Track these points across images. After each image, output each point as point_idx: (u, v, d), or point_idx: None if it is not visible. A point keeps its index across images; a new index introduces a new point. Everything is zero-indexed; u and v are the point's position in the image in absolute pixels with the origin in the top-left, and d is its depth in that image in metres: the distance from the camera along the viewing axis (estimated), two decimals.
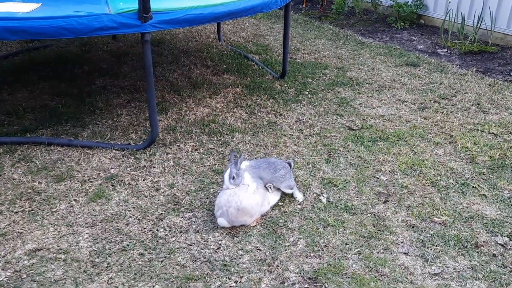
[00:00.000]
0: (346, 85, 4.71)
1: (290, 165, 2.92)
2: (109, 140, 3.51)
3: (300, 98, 4.36)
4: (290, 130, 3.76)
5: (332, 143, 3.57)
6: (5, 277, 2.25)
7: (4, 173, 3.07)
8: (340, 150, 3.48)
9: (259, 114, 4.01)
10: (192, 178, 3.08)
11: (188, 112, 4.00)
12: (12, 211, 2.72)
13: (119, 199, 2.85)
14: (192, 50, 5.68)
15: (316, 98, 4.39)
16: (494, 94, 4.48)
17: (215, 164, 3.24)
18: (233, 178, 2.57)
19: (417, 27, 6.85)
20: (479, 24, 5.89)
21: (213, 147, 3.46)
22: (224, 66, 5.12)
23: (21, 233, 2.55)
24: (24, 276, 2.26)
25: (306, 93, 4.50)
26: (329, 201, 2.88)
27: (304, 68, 5.15)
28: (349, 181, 3.09)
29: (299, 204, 2.84)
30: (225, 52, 5.62)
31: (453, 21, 6.23)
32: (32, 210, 2.73)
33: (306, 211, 2.79)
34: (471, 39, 5.91)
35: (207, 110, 4.04)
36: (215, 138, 3.58)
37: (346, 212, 2.79)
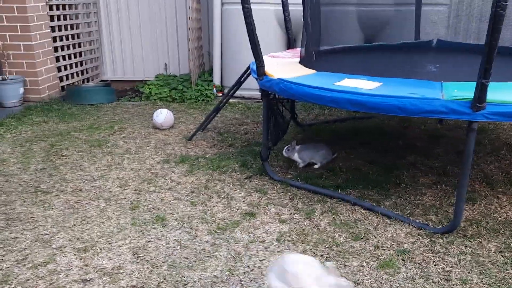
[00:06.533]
0: None
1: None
2: (408, 215, 3.60)
3: None
4: None
5: None
6: None
7: (314, 218, 3.58)
8: None
9: None
10: (489, 281, 2.80)
11: (498, 209, 3.68)
12: (316, 254, 3.13)
13: (406, 275, 2.88)
14: None
15: None
16: None
17: None
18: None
19: None
20: None
21: None
22: None
23: None
24: None
25: None
26: None
27: None
28: None
29: None
30: None
31: None
32: (329, 257, 3.08)
33: None
34: None
35: None
36: None
37: None
